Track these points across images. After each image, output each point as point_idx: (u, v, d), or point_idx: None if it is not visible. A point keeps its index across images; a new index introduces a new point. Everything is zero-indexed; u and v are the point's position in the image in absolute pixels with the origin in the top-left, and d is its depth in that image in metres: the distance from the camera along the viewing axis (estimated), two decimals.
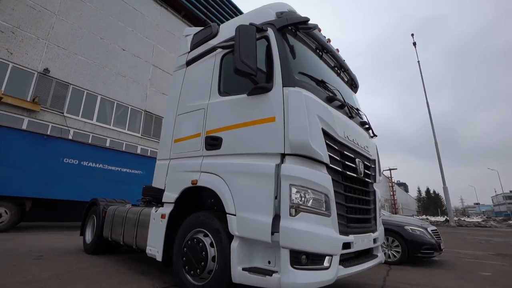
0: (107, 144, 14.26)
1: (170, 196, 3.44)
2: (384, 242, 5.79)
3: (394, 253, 5.68)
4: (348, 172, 2.82)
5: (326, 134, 2.58)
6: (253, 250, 2.49)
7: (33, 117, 11.57)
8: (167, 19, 20.41)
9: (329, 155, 2.56)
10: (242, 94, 2.88)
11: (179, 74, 4.09)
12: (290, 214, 2.21)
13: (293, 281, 2.09)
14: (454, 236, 13.59)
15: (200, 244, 2.82)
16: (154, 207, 3.74)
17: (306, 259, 2.19)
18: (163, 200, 3.54)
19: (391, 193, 71.40)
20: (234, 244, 2.49)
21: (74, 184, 8.98)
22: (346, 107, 3.15)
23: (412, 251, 5.55)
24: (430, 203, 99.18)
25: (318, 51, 3.38)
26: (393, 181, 74.61)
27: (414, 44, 28.79)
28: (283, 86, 2.56)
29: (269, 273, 2.21)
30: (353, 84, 4.23)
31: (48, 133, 11.65)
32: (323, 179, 2.41)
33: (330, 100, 2.87)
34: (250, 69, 2.55)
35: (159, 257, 3.30)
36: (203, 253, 2.76)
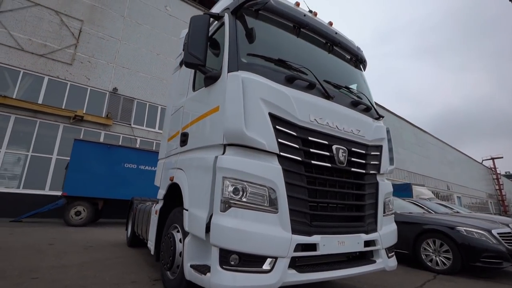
0: None
1: (161, 193, 3.60)
2: (430, 246, 4.84)
3: (444, 260, 4.67)
4: (314, 162, 2.43)
5: (277, 119, 2.29)
6: (207, 247, 2.38)
7: (108, 130, 13.74)
8: None
9: (282, 143, 2.27)
10: (203, 87, 2.80)
11: (175, 75, 4.26)
12: (221, 210, 2.04)
13: (220, 283, 1.91)
14: None
15: (171, 239, 2.86)
16: (155, 204, 3.96)
17: (237, 260, 1.97)
18: (157, 197, 3.73)
19: (496, 187, 58.91)
20: (186, 240, 2.44)
21: (134, 186, 10.24)
22: (322, 87, 2.71)
23: (468, 259, 4.46)
24: None
25: (296, 28, 3.03)
26: (497, 172, 61.07)
27: None
28: (228, 72, 2.38)
29: (205, 272, 2.08)
30: (355, 60, 3.65)
31: (120, 143, 13.63)
32: (267, 171, 2.14)
33: (290, 80, 2.52)
34: (198, 59, 2.47)
35: (152, 251, 3.50)
36: (172, 248, 2.79)
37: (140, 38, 15.56)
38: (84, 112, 12.83)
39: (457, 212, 9.41)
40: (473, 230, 4.61)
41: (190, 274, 2.25)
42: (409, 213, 5.66)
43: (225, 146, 2.27)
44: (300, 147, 2.36)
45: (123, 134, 14.30)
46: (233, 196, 2.04)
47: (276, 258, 2.04)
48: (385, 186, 3.08)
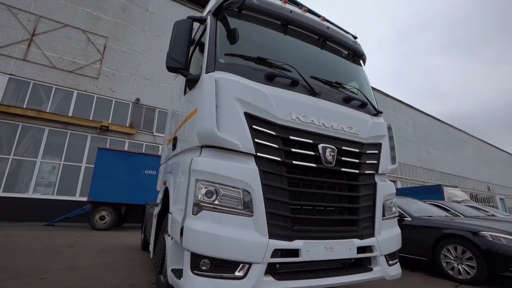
0: None
1: (159, 197, 3.67)
2: (451, 252, 4.43)
3: (467, 269, 4.23)
4: (296, 162, 2.31)
5: (254, 119, 2.22)
6: (183, 251, 2.36)
7: (131, 139, 14.42)
8: None
9: (260, 143, 2.19)
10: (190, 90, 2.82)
11: (175, 82, 4.37)
12: (193, 213, 2.00)
13: None
14: None
15: (162, 242, 2.88)
16: (155, 208, 4.04)
17: (209, 265, 1.91)
18: (156, 201, 3.81)
19: None
20: (169, 244, 2.43)
21: (154, 191, 10.56)
22: (306, 83, 2.59)
23: (495, 267, 4.00)
24: None
25: (282, 26, 2.96)
26: None
27: None
28: (205, 74, 2.37)
29: (180, 276, 2.05)
30: (353, 54, 3.48)
31: (143, 150, 14.23)
32: (241, 172, 2.08)
33: (270, 78, 2.44)
34: (179, 63, 2.50)
35: (151, 254, 3.55)
36: (162, 251, 2.80)
37: (160, 50, 16.21)
38: (109, 122, 13.57)
39: (492, 215, 8.58)
40: (500, 235, 4.14)
41: (171, 278, 2.23)
42: (428, 216, 5.24)
43: (201, 148, 2.25)
44: (280, 147, 2.27)
45: (146, 142, 14.91)
46: (206, 198, 2.00)
47: (250, 264, 1.95)
48: (385, 187, 2.86)
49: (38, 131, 12.07)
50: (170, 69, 2.53)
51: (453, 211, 7.25)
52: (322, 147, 2.45)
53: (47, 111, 12.29)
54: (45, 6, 13.23)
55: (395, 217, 2.94)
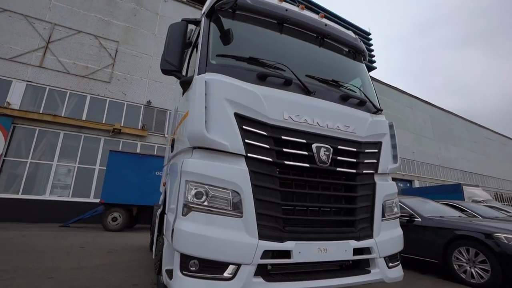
0: None
1: (161, 198, 3.70)
2: (464, 255, 4.23)
3: (480, 272, 4.03)
4: (287, 162, 2.27)
5: (244, 119, 2.20)
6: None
7: (143, 141, 14.71)
8: None
9: (250, 143, 2.16)
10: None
11: (177, 84, 4.40)
12: (182, 214, 2.00)
13: None
14: None
15: (160, 243, 2.90)
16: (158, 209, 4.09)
17: (198, 266, 1.90)
18: (159, 202, 3.85)
19: None
20: (164, 244, 2.44)
21: None
22: (300, 82, 2.54)
23: (510, 272, 3.78)
24: None
25: (278, 24, 2.92)
26: None
27: None
28: (197, 75, 2.37)
29: (172, 277, 2.05)
30: (353, 51, 3.39)
31: (155, 152, 14.48)
32: (230, 173, 2.05)
33: (262, 78, 2.41)
34: (172, 66, 2.52)
35: (153, 255, 3.59)
36: (160, 252, 2.82)
37: None
38: (121, 125, 13.89)
39: None
40: None
41: (165, 279, 2.24)
42: (440, 217, 5.02)
43: (193, 149, 2.24)
44: (271, 147, 2.23)
45: (157, 144, 15.16)
46: (195, 200, 1.99)
47: (239, 265, 1.92)
48: (385, 187, 2.76)
49: (53, 135, 12.51)
50: (165, 71, 2.54)
51: (469, 211, 6.95)
52: (316, 146, 2.39)
53: (62, 115, 12.72)
54: (60, 14, 13.72)
55: (396, 217, 2.83)
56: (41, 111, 12.36)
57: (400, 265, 2.73)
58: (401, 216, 5.11)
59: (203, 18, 2.74)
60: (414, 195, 13.64)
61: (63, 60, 13.29)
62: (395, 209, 2.85)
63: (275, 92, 2.40)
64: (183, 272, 1.90)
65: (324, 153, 2.41)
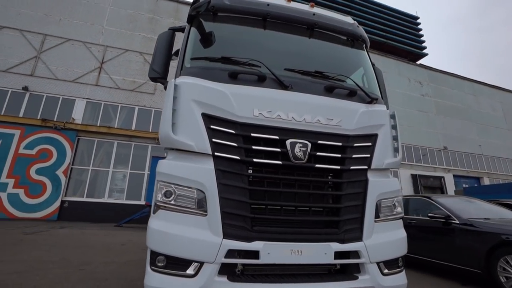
0: None
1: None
2: None
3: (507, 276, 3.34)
4: (256, 160, 2.21)
5: (212, 119, 2.23)
6: None
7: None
8: None
9: (218, 142, 2.18)
10: None
11: None
12: (153, 212, 2.13)
13: (149, 284, 1.97)
14: None
15: None
16: None
17: (164, 262, 1.98)
18: None
19: None
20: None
21: None
22: (275, 77, 2.44)
23: None
24: None
25: (260, 20, 2.88)
26: None
27: None
28: (172, 80, 2.48)
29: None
30: (351, 39, 3.15)
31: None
32: (195, 173, 2.10)
33: (232, 76, 2.39)
34: (157, 73, 2.70)
35: None
36: None
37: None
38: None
39: None
40: None
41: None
42: (485, 219, 4.30)
43: (168, 151, 2.36)
44: (239, 145, 2.21)
45: None
46: (164, 198, 2.09)
47: (202, 263, 1.95)
48: (381, 184, 2.48)
49: (109, 145, 14.12)
50: (152, 79, 2.74)
51: None
52: (291, 142, 2.28)
53: (115, 126, 14.29)
54: (110, 37, 15.51)
55: (396, 218, 2.53)
56: (98, 124, 14.07)
57: (403, 272, 2.44)
58: (437, 217, 4.54)
59: (187, 25, 2.86)
60: (479, 194, 11.86)
61: (114, 77, 14.95)
62: (397, 209, 2.55)
63: (246, 89, 2.36)
64: (152, 267, 2.01)
65: (300, 149, 2.29)
